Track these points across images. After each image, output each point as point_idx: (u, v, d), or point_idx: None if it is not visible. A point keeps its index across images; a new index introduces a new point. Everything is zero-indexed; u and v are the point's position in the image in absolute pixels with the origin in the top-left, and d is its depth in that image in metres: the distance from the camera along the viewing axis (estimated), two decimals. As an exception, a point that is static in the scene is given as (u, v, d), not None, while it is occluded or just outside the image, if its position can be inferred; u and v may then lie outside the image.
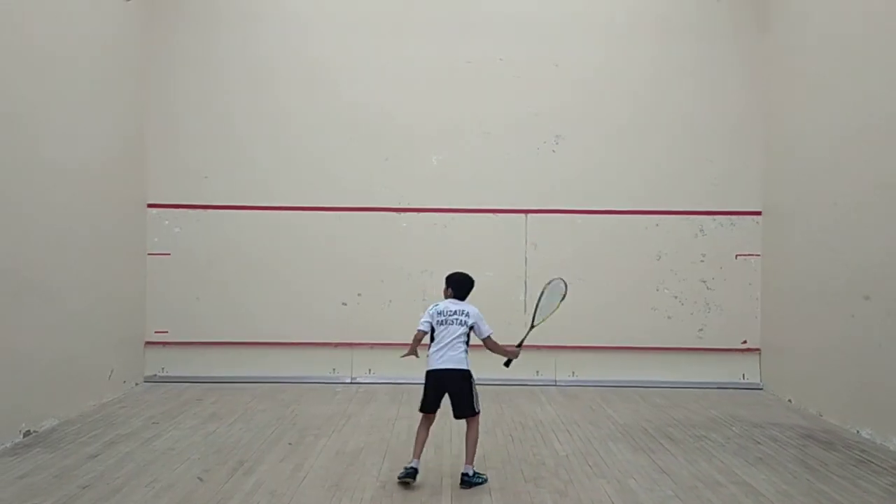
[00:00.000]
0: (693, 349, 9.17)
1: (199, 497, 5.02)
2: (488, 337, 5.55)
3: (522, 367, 9.08)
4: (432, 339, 5.51)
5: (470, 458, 5.36)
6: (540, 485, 5.38)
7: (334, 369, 9.22)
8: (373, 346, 9.11)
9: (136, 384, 8.80)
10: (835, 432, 6.99)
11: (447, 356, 5.38)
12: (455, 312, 5.51)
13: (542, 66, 9.29)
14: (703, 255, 9.21)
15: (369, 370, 9.19)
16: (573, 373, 9.22)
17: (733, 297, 9.19)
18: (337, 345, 9.20)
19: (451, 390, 5.39)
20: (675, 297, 9.20)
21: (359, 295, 9.21)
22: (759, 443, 6.59)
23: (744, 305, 9.18)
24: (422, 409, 5.48)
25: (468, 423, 5.42)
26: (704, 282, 9.20)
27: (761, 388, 9.02)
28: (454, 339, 5.41)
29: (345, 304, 9.21)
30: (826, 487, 5.36)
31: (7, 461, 5.75)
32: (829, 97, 7.67)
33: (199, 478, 5.43)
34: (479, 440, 5.51)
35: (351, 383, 9.13)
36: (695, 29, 9.31)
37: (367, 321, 9.15)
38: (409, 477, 5.22)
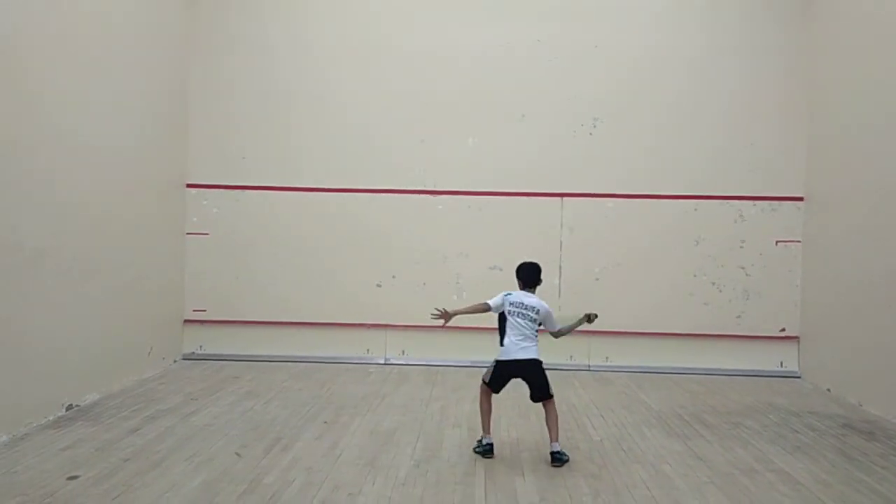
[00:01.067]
0: (730, 336, 9.05)
1: (236, 472, 5.11)
2: (559, 329, 5.81)
3: (555, 352, 9.09)
4: (503, 326, 5.66)
5: (555, 436, 5.52)
6: (573, 469, 5.37)
7: (368, 350, 9.28)
8: (406, 327, 9.14)
9: (175, 361, 8.97)
10: (875, 422, 6.87)
11: (526, 347, 5.53)
12: (527, 307, 5.60)
13: (580, 47, 9.18)
14: (743, 242, 9.06)
15: (403, 352, 9.24)
16: (607, 358, 9.17)
17: (773, 284, 9.04)
18: (371, 326, 9.26)
19: (528, 377, 5.59)
20: (713, 284, 9.08)
21: (393, 277, 9.24)
22: (796, 431, 6.50)
23: (783, 293, 9.03)
24: (494, 390, 5.68)
25: (546, 406, 5.59)
26: (743, 268, 9.06)
27: (799, 377, 8.88)
28: (530, 331, 5.56)
29: (379, 285, 9.26)
30: (866, 477, 5.27)
31: (50, 434, 5.90)
32: (876, 81, 7.47)
33: (236, 453, 5.52)
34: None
35: (385, 364, 9.20)
36: (737, 11, 9.12)
37: (402, 303, 9.17)
38: (489, 453, 5.55)
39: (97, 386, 7.11)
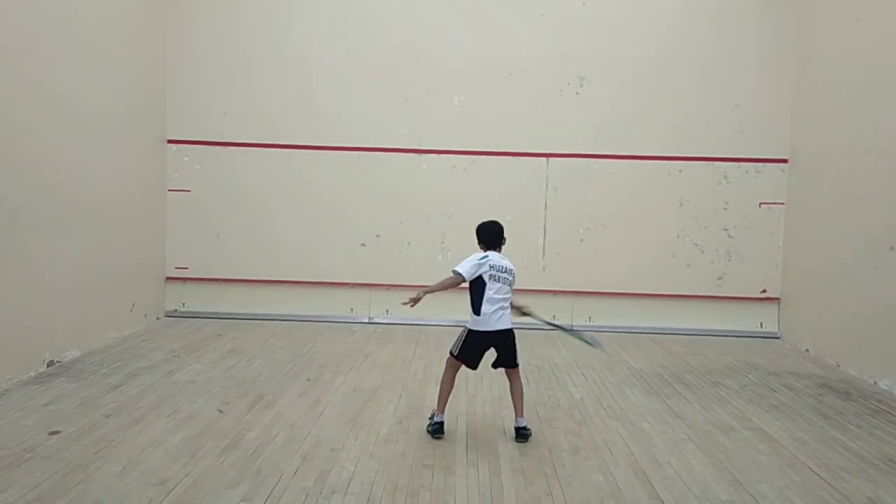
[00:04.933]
0: (712, 297, 9.12)
1: (219, 428, 5.12)
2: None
3: (539, 312, 9.10)
4: (480, 292, 5.00)
5: (521, 409, 5.12)
6: (554, 425, 5.43)
7: (352, 309, 9.28)
8: (390, 287, 9.13)
9: (157, 318, 8.93)
10: (852, 382, 6.97)
11: (503, 316, 5.01)
12: (506, 271, 5.05)
13: (568, 4, 9.05)
14: (726, 203, 9.08)
15: (387, 311, 9.24)
16: (590, 318, 9.21)
17: (755, 245, 9.09)
18: (355, 285, 9.25)
19: (502, 346, 5.09)
20: (696, 245, 9.12)
21: (377, 236, 9.21)
22: (774, 391, 6.59)
23: (765, 254, 9.08)
24: (471, 365, 5.11)
25: (511, 376, 5.16)
26: (726, 230, 9.10)
27: (779, 338, 8.99)
28: (507, 299, 5.06)
29: (364, 244, 9.22)
30: (841, 435, 5.36)
31: (31, 389, 5.88)
32: (863, 42, 7.43)
33: (219, 410, 5.53)
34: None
35: (368, 323, 9.21)
36: (727, -31, 9.02)
37: (386, 262, 9.16)
38: (439, 432, 5.04)
39: (78, 342, 7.07)
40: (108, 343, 7.57)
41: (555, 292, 9.15)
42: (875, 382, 6.87)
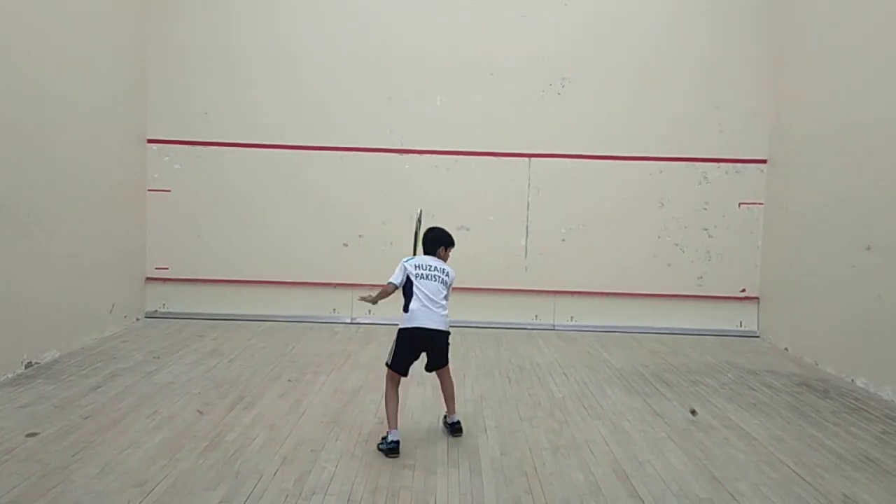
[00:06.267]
0: (692, 296, 9.18)
1: (199, 429, 5.09)
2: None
3: (521, 311, 9.20)
4: (409, 294, 5.03)
5: (452, 407, 5.19)
6: (535, 424, 5.44)
7: (335, 309, 9.26)
8: (373, 287, 9.06)
9: (137, 319, 8.87)
10: (829, 381, 7.05)
11: (434, 314, 4.94)
12: (436, 269, 5.06)
13: (550, 6, 9.08)
14: (706, 203, 9.15)
15: (369, 311, 9.17)
16: (572, 318, 9.26)
17: (734, 245, 9.16)
18: (337, 285, 9.22)
19: (433, 349, 5.04)
20: (677, 245, 9.18)
21: (360, 236, 9.19)
22: (753, 389, 6.65)
23: (744, 254, 9.16)
24: (400, 371, 4.96)
25: (442, 375, 5.15)
26: (706, 230, 9.16)
27: (758, 336, 9.07)
28: (439, 296, 4.99)
29: (346, 244, 9.20)
30: (818, 433, 5.42)
31: (9, 391, 5.82)
32: (842, 46, 7.51)
33: (199, 411, 5.50)
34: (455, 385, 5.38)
35: (351, 323, 9.19)
36: (708, -29, 9.09)
37: (368, 262, 9.12)
38: (394, 452, 4.71)
39: (57, 344, 7.01)
40: (87, 344, 7.51)
41: (537, 292, 9.18)
42: (852, 381, 6.95)
